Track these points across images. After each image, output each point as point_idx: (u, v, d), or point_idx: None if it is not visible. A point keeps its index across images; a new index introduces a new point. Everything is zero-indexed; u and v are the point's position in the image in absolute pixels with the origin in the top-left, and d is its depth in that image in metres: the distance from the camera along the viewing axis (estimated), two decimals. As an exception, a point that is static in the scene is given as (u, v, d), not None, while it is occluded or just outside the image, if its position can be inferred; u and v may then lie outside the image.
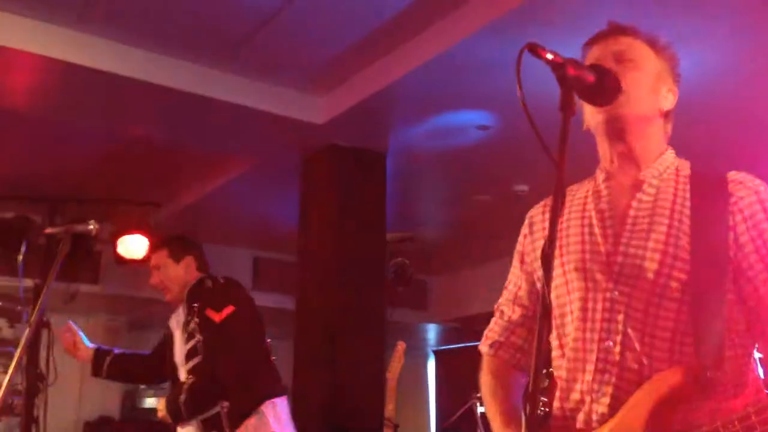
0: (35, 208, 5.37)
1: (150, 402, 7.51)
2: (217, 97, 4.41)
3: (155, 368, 3.27)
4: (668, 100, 1.57)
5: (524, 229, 1.71)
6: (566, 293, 1.53)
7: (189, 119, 4.72)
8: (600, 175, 1.59)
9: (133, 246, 5.54)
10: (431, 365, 9.53)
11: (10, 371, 2.80)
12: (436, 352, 9.52)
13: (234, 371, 2.88)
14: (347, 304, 4.66)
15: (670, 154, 1.58)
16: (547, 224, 1.61)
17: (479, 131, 4.59)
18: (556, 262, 1.56)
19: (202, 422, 2.88)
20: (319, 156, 4.91)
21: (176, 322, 3.14)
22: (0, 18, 3.78)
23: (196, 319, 2.95)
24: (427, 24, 3.88)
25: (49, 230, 3.15)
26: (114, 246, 5.49)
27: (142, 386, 7.41)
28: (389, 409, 4.21)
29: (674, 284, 1.42)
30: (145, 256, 5.55)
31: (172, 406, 2.89)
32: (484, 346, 1.72)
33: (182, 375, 2.99)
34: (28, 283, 2.95)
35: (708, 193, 1.47)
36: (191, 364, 2.94)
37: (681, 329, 1.41)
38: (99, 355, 3.25)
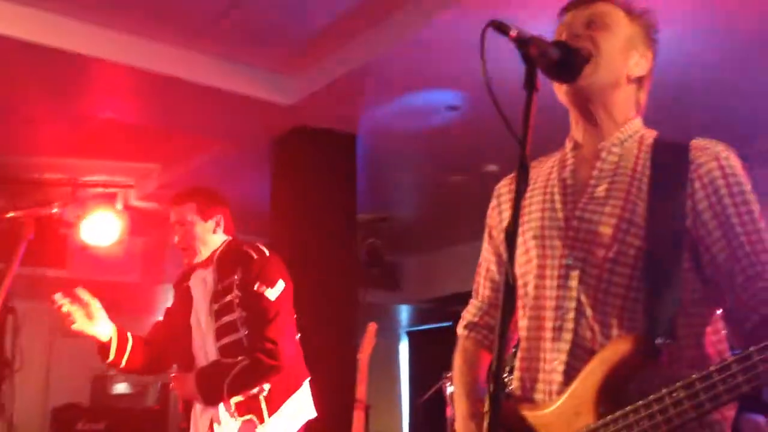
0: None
1: (121, 388, 7.42)
2: (183, 77, 4.32)
3: (163, 356, 2.87)
4: (640, 66, 1.55)
5: (492, 202, 1.71)
6: (526, 262, 1.53)
7: (155, 100, 4.64)
8: (568, 145, 1.59)
9: (102, 229, 5.44)
10: (404, 346, 9.56)
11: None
12: (409, 333, 9.55)
13: (291, 353, 2.62)
14: (318, 286, 4.63)
15: (637, 122, 1.56)
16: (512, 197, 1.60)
17: (449, 112, 4.57)
18: (518, 231, 1.54)
19: (237, 405, 2.59)
20: (289, 137, 4.86)
21: (201, 288, 2.75)
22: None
23: (237, 292, 2.62)
24: (398, 4, 3.84)
25: (11, 214, 3.04)
26: (79, 229, 5.40)
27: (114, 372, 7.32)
28: (360, 389, 4.20)
29: (628, 250, 1.40)
30: (115, 242, 5.46)
31: (209, 385, 2.57)
32: (459, 327, 1.72)
33: (208, 349, 2.69)
34: (-9, 267, 2.83)
35: (669, 161, 1.46)
36: (226, 340, 2.64)
37: (632, 296, 1.40)
38: (121, 337, 2.72)
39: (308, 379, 2.83)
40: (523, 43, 1.29)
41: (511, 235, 1.23)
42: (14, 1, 3.83)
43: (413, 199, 6.77)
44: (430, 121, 4.79)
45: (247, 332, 2.62)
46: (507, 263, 1.21)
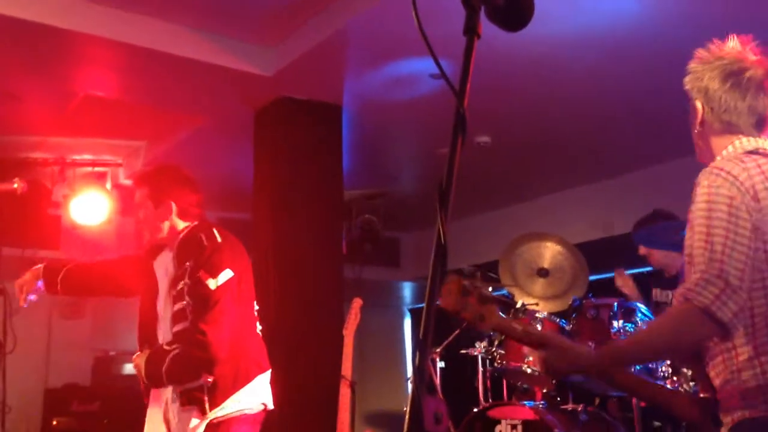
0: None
1: (130, 368, 7.38)
2: (162, 49, 4.22)
3: (120, 280, 2.95)
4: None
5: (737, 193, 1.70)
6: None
7: (137, 74, 4.54)
8: None
9: (91, 209, 5.37)
10: (408, 323, 9.49)
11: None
12: (412, 311, 9.47)
13: (226, 344, 2.56)
14: (303, 261, 4.54)
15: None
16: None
17: (433, 80, 4.42)
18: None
19: (180, 394, 2.61)
20: (271, 109, 4.73)
21: (164, 270, 2.79)
22: None
23: (188, 280, 2.60)
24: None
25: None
26: (68, 209, 5.33)
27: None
28: (346, 366, 4.13)
29: None
30: (105, 221, 5.39)
31: (151, 370, 2.61)
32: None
33: (166, 335, 2.70)
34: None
35: None
36: (178, 327, 2.63)
37: None
38: (50, 270, 2.94)
39: (266, 372, 2.76)
40: None
41: (444, 192, 1.17)
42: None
43: (408, 174, 6.63)
44: (416, 91, 4.65)
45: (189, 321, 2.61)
46: (439, 222, 1.14)
